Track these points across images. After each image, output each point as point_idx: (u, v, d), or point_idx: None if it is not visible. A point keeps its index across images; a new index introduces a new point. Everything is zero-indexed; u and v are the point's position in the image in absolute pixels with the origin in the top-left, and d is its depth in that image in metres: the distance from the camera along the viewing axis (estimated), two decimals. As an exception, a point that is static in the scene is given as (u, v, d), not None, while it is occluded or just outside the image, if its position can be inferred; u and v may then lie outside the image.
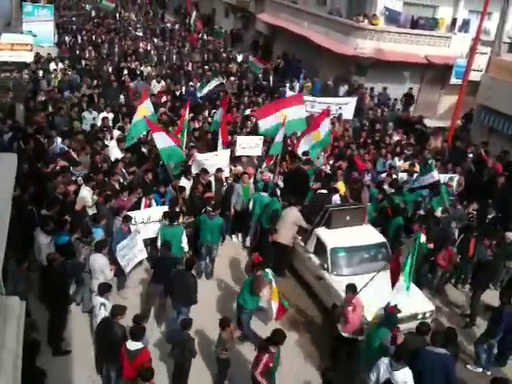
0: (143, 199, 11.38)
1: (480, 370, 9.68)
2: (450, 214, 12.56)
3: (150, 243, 11.06)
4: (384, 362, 7.53)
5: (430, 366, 7.67)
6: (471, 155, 16.95)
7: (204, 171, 12.64)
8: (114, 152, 13.69)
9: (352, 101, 19.05)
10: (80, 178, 11.88)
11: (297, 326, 10.37)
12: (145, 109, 13.69)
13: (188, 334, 8.02)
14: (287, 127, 14.10)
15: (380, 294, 8.81)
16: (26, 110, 16.57)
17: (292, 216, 11.48)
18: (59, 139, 13.77)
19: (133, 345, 7.38)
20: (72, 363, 8.69)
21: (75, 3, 46.34)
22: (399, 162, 15.54)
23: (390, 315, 8.41)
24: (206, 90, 20.29)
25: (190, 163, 13.40)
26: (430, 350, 7.82)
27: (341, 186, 13.15)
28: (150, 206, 11.36)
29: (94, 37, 31.32)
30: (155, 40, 33.18)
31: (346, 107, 18.47)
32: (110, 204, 10.93)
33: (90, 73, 22.73)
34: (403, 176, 14.49)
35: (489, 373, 9.53)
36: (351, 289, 8.89)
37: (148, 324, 8.95)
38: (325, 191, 12.67)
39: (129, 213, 10.61)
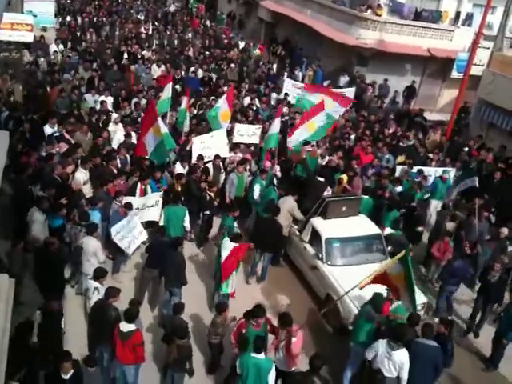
0: (138, 184, 11.38)
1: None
2: (475, 226, 11.99)
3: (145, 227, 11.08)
4: (383, 343, 7.66)
5: (419, 357, 7.76)
6: (466, 149, 17.01)
7: (200, 158, 12.62)
8: (117, 136, 13.65)
9: (350, 91, 18.94)
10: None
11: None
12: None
13: (180, 318, 8.06)
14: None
15: (374, 286, 8.85)
16: (25, 90, 16.51)
17: (287, 205, 11.49)
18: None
19: (126, 326, 7.44)
20: (65, 344, 8.71)
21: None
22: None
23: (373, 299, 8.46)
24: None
25: (187, 149, 13.40)
26: (420, 342, 7.92)
27: (344, 178, 13.15)
28: (145, 191, 11.35)
29: (94, 19, 31.08)
30: (157, 24, 32.94)
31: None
32: (107, 187, 10.93)
33: (91, 55, 22.61)
34: (398, 168, 14.50)
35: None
36: (288, 322, 7.81)
37: (141, 308, 8.99)
38: (322, 179, 12.65)
39: (125, 198, 10.62)
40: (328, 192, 12.38)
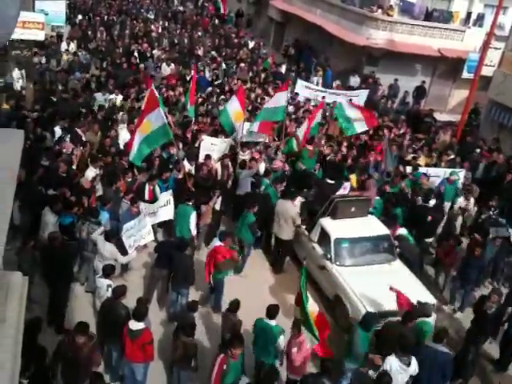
0: (146, 185, 11.40)
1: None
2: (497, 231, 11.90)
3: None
4: (392, 360, 7.49)
5: (429, 362, 7.68)
6: (478, 150, 16.91)
7: (208, 157, 12.65)
8: (123, 134, 13.73)
9: (363, 93, 18.92)
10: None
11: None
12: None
13: (193, 316, 8.10)
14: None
15: (383, 286, 8.85)
16: (36, 89, 16.63)
17: (289, 212, 11.20)
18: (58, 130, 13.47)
19: (135, 325, 7.45)
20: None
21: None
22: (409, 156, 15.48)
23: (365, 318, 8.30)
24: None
25: (196, 145, 13.44)
26: (431, 348, 7.82)
27: (353, 178, 13.11)
28: (153, 191, 11.37)
29: (105, 18, 31.20)
30: (167, 23, 33.01)
31: (357, 99, 18.31)
32: (117, 185, 10.99)
33: (101, 54, 22.72)
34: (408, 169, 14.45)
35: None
36: (297, 327, 7.83)
37: (150, 306, 9.08)
38: (332, 181, 12.65)
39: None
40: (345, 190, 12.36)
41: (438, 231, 12.92)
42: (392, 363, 7.48)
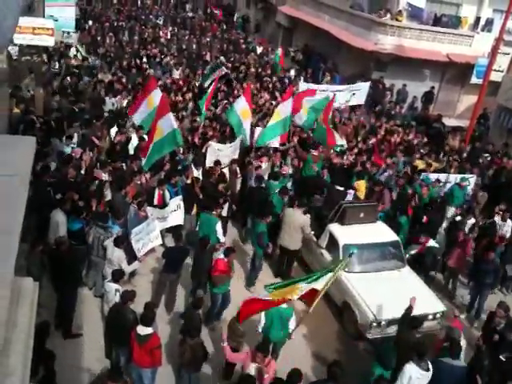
0: (156, 190, 11.42)
1: None
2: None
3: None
4: (411, 367, 7.43)
5: (444, 377, 7.61)
6: (487, 155, 16.85)
7: (217, 163, 12.67)
8: (133, 139, 13.77)
9: (365, 86, 18.87)
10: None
11: (305, 320, 10.34)
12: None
13: (198, 314, 8.14)
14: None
15: (392, 293, 8.80)
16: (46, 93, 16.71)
17: (298, 222, 11.05)
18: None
19: (143, 330, 7.46)
20: (82, 346, 8.80)
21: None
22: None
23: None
24: (209, 81, 19.35)
25: (203, 151, 13.48)
26: (447, 363, 7.73)
27: (361, 184, 13.09)
28: (163, 196, 11.38)
29: (114, 23, 31.43)
30: (176, 29, 33.18)
31: (359, 93, 18.29)
32: (125, 190, 11.02)
33: (110, 59, 22.86)
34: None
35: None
36: (264, 349, 7.50)
37: (158, 311, 9.08)
38: (341, 188, 12.63)
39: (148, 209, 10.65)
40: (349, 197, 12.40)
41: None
42: (412, 372, 7.42)
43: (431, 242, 11.15)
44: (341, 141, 15.77)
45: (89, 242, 9.76)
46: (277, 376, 7.41)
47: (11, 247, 3.91)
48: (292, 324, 8.38)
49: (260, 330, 8.28)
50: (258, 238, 10.76)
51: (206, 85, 18.98)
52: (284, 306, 8.15)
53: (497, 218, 12.60)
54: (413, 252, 11.19)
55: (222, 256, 9.40)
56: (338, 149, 15.41)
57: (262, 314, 8.16)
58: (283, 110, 14.17)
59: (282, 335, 8.43)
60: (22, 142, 5.98)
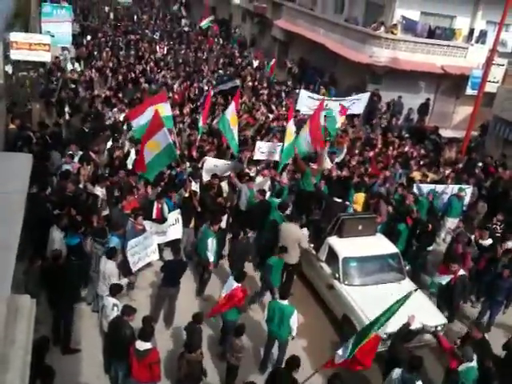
0: (155, 203, 11.38)
1: None
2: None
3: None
4: (397, 374, 7.42)
5: None
6: (480, 164, 16.91)
7: (215, 176, 12.68)
8: (131, 154, 13.76)
9: (364, 96, 18.92)
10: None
11: (305, 333, 10.31)
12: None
13: (199, 327, 8.08)
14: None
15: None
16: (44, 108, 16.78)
17: (294, 236, 10.93)
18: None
19: (142, 345, 7.39)
20: (80, 362, 8.71)
21: (94, 3, 46.74)
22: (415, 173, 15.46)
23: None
24: (220, 87, 20.19)
25: (199, 166, 13.47)
26: None
27: (359, 197, 13.06)
28: (161, 210, 11.34)
29: (110, 38, 31.61)
30: (172, 43, 33.39)
31: (359, 102, 18.51)
32: (122, 204, 10.99)
33: (106, 73, 22.98)
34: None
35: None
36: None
37: (156, 326, 9.02)
38: (339, 200, 12.61)
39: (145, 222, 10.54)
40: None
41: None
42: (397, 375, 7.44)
43: (461, 271, 10.50)
44: (340, 153, 15.88)
45: (86, 250, 9.71)
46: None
47: (8, 263, 3.90)
48: (294, 323, 8.64)
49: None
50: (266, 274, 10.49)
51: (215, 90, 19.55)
52: (285, 302, 8.70)
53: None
54: (443, 282, 10.48)
55: (235, 284, 8.87)
56: (339, 160, 15.44)
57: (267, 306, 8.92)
58: (292, 128, 13.91)
59: (281, 332, 8.75)
60: (18, 158, 6.01)
